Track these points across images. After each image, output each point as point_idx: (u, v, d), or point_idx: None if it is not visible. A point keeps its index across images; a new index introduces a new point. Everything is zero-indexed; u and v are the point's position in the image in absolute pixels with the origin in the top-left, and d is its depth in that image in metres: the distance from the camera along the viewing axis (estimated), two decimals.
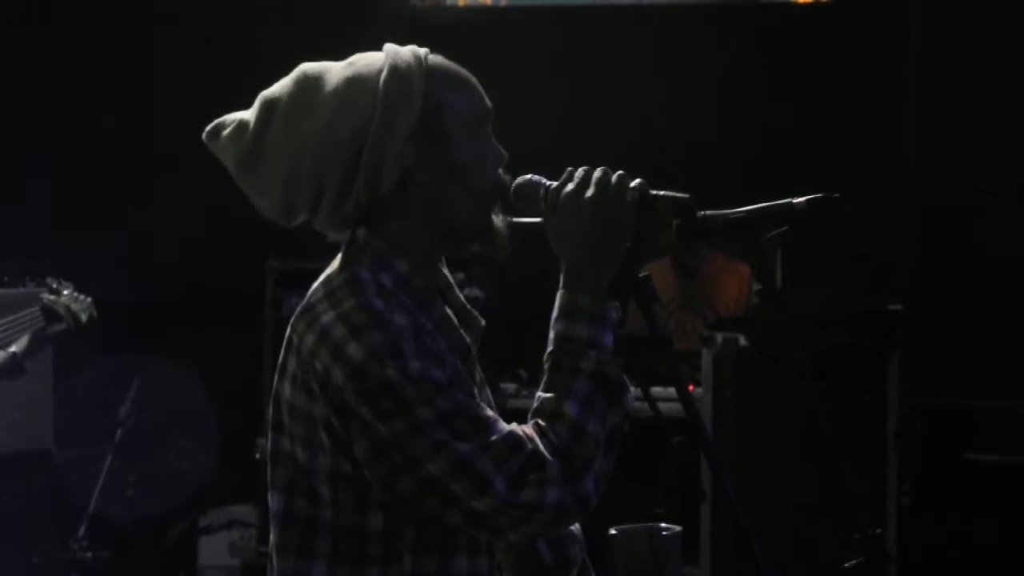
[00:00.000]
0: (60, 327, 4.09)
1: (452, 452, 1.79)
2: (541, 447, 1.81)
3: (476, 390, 1.94)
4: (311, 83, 1.93)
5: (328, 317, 1.86)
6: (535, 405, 1.87)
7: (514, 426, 1.84)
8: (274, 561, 1.95)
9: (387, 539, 1.88)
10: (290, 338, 1.91)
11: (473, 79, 1.98)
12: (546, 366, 1.89)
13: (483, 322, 2.04)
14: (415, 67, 1.93)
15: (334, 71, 1.94)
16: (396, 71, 1.92)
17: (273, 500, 1.95)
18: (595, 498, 1.84)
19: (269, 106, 1.94)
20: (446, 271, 2.03)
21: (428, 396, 1.81)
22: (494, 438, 1.80)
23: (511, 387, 5.03)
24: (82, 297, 4.15)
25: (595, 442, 1.83)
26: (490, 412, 1.86)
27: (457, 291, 2.03)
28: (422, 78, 1.92)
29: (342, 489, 1.87)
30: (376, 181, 1.91)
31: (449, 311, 1.97)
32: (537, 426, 1.84)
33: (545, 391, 1.87)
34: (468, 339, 1.97)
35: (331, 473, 1.87)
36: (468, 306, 2.03)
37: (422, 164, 1.91)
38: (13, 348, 4.03)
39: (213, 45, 5.60)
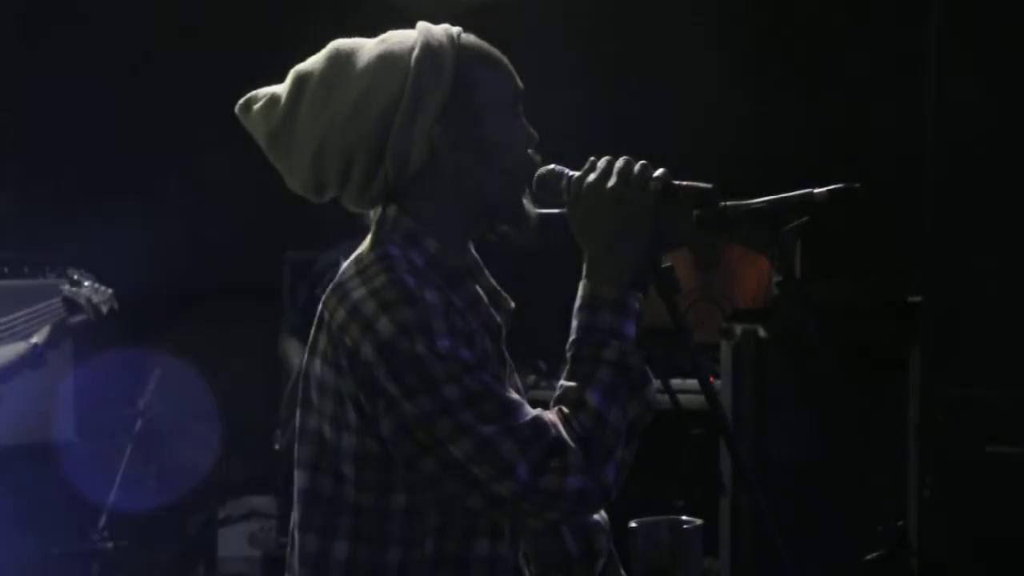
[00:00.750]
0: (81, 318, 4.09)
1: (476, 435, 1.79)
2: (564, 434, 1.81)
3: (506, 372, 1.94)
4: (343, 59, 1.92)
5: (359, 293, 1.85)
6: (557, 393, 1.86)
7: (539, 411, 1.83)
8: (296, 539, 1.94)
9: (409, 520, 1.87)
10: (321, 315, 1.90)
11: (505, 59, 1.97)
12: (568, 355, 1.88)
13: (513, 304, 2.03)
14: (447, 45, 1.92)
15: (367, 47, 1.94)
16: (428, 49, 1.91)
17: (298, 477, 1.94)
18: (616, 487, 1.84)
19: (301, 81, 1.94)
20: (475, 254, 2.02)
21: (455, 375, 1.80)
22: (519, 422, 1.80)
23: (530, 378, 5.02)
24: (103, 288, 4.15)
25: (617, 432, 1.83)
26: (516, 396, 1.85)
27: (487, 273, 2.02)
28: (454, 57, 1.92)
29: (366, 468, 1.87)
30: (405, 159, 1.90)
31: (480, 291, 1.97)
32: (561, 413, 1.83)
33: (567, 380, 1.86)
34: (499, 319, 1.97)
35: (356, 452, 1.86)
36: (498, 288, 2.02)
37: (451, 143, 1.91)
38: (35, 339, 4.05)
39: (209, 40, 5.61)
